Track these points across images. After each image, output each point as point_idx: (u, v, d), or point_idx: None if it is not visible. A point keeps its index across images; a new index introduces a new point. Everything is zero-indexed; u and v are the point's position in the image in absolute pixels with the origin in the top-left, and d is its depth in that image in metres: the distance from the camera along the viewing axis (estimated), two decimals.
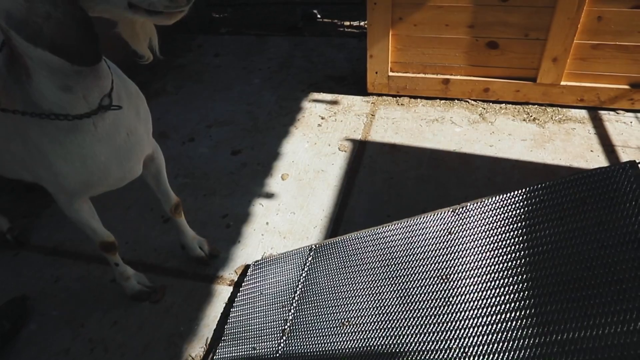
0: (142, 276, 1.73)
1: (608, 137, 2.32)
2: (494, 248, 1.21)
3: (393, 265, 1.35)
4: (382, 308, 1.26)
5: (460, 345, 1.06)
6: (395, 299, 1.26)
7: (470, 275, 1.18)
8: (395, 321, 1.20)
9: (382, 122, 2.46)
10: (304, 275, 1.53)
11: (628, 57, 2.29)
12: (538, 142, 2.30)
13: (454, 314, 1.12)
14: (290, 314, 1.45)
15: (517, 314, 1.03)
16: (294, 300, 1.48)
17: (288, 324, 1.43)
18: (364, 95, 2.65)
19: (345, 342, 1.26)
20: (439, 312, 1.14)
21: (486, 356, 1.01)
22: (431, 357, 1.08)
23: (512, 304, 1.06)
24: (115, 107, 1.16)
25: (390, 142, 2.33)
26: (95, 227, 1.49)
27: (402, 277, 1.30)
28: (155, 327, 1.63)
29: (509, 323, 1.03)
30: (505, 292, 1.09)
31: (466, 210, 1.34)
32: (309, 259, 1.58)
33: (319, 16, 3.61)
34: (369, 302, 1.31)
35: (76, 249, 1.94)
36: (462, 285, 1.17)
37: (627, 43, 2.25)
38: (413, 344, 1.13)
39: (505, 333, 1.02)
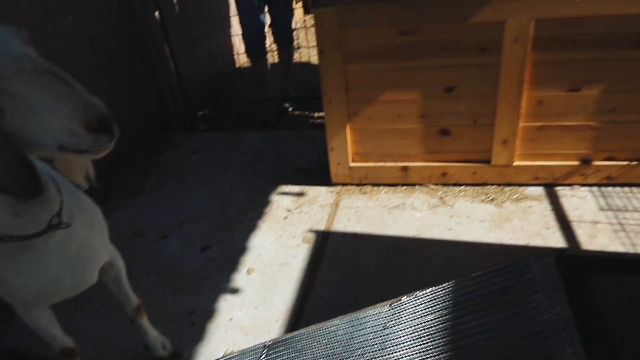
0: None
1: (564, 212, 2.40)
2: (424, 342, 1.24)
3: None
4: None
5: None
6: None
7: None
8: None
9: (346, 211, 2.55)
10: None
11: (573, 135, 2.42)
12: (496, 222, 2.37)
13: None
14: None
15: None
16: None
17: None
18: (329, 186, 2.76)
19: None
20: None
21: None
22: None
23: None
24: (64, 225, 1.24)
25: (352, 231, 2.41)
26: (54, 333, 1.53)
27: None
28: None
29: None
30: None
31: (401, 304, 1.39)
32: (262, 357, 1.60)
33: (290, 109, 3.81)
34: None
35: (44, 353, 1.95)
36: None
37: (569, 123, 2.39)
38: None
39: None
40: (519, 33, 2.16)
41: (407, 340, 1.27)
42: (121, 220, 2.72)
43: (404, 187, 2.67)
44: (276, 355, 1.57)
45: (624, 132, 2.37)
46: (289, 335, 1.62)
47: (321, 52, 2.38)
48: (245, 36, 3.44)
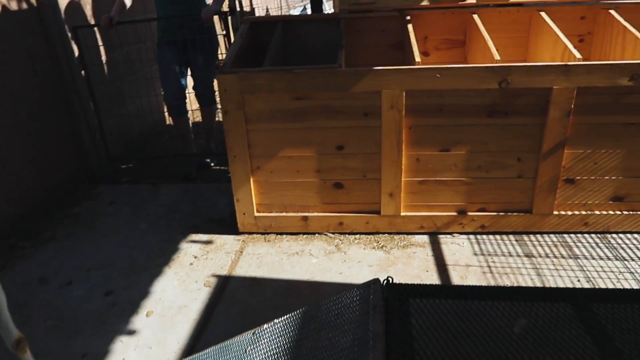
0: None
1: (443, 257, 2.69)
2: None
3: None
4: None
5: None
6: None
7: None
8: None
9: (248, 257, 2.74)
10: None
11: (449, 189, 2.76)
12: (382, 266, 2.63)
13: None
14: None
15: None
16: None
17: None
18: (236, 234, 2.96)
19: None
20: None
21: None
22: None
23: None
24: None
25: (251, 276, 2.59)
26: None
27: None
28: None
29: None
30: None
31: (262, 331, 1.58)
32: None
33: (212, 164, 4.04)
34: None
35: None
36: None
37: (445, 178, 2.73)
38: None
39: None
40: (394, 101, 2.52)
41: None
42: (28, 268, 2.78)
43: (305, 236, 2.91)
44: None
45: (491, 187, 2.74)
46: None
47: (225, 113, 2.65)
48: (166, 98, 3.69)
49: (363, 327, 1.32)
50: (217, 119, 4.13)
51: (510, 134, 2.59)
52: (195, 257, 2.78)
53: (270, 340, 1.52)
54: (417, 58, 2.55)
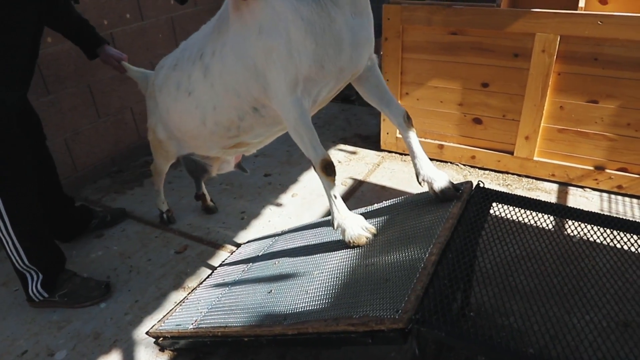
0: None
1: None
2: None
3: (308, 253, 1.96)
4: (295, 283, 1.69)
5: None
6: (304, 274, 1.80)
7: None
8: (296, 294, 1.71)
9: (383, 170, 3.13)
10: (264, 248, 2.18)
11: (589, 142, 2.77)
12: None
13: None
14: (240, 273, 2.05)
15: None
16: (247, 266, 2.09)
17: (236, 278, 2.02)
18: (378, 151, 3.35)
19: (265, 302, 1.65)
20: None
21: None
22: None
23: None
24: None
25: (382, 184, 2.99)
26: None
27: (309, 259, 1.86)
28: (172, 266, 2.39)
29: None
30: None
31: (373, 208, 1.98)
32: (275, 237, 2.26)
33: None
34: (290, 278, 1.74)
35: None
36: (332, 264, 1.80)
37: (587, 130, 2.74)
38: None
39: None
40: (546, 45, 2.58)
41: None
42: None
43: (438, 163, 3.18)
44: (286, 236, 2.23)
45: (637, 147, 2.67)
46: (296, 226, 2.28)
47: (385, 40, 2.98)
48: None
49: (444, 210, 1.64)
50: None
51: None
52: (339, 162, 3.26)
53: (377, 213, 1.92)
54: (582, 3, 2.55)
